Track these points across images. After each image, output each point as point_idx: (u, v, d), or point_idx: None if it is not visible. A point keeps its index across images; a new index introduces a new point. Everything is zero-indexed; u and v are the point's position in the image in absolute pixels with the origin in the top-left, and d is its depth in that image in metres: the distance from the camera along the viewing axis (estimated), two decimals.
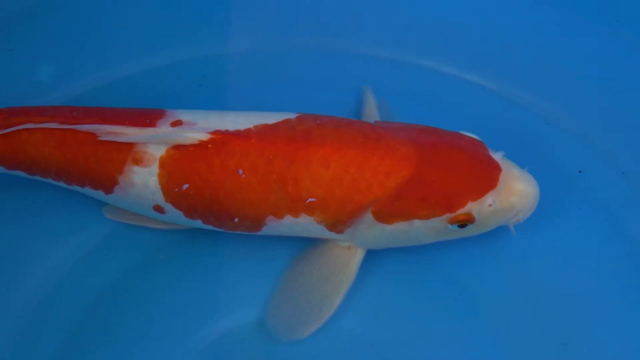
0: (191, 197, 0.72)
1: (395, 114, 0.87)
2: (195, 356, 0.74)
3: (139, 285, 0.78)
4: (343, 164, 0.69)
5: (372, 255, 0.77)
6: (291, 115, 0.74)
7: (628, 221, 0.81)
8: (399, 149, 0.70)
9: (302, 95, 0.87)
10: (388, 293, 0.77)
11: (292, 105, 0.76)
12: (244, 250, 0.79)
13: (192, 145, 0.71)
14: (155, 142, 0.72)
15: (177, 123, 0.72)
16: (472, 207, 0.70)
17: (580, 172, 0.84)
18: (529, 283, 0.78)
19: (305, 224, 0.72)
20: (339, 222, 0.72)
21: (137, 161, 0.72)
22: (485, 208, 0.70)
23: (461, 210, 0.70)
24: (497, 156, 0.72)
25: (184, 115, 0.74)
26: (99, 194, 0.76)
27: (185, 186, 0.72)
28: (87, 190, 0.76)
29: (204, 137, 0.70)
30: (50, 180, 0.77)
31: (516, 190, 0.71)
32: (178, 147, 0.71)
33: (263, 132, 0.71)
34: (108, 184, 0.74)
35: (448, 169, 0.70)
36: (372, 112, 0.86)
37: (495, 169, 0.71)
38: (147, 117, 0.73)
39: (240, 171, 0.70)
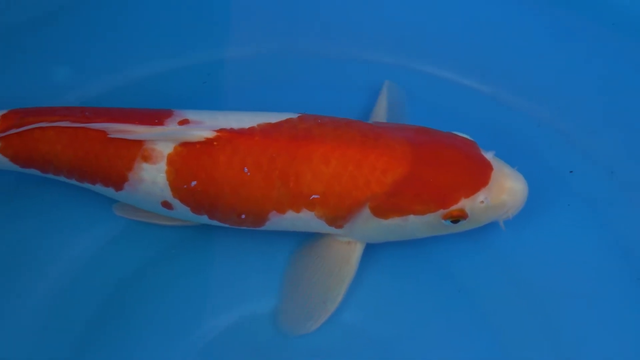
0: (198, 193, 0.73)
1: (407, 115, 0.88)
2: (204, 346, 0.75)
3: (151, 279, 0.79)
4: (342, 161, 0.71)
5: (370, 250, 0.78)
6: (293, 115, 0.75)
7: (615, 218, 0.82)
8: (395, 147, 0.71)
9: (303, 98, 0.87)
10: (386, 287, 0.79)
11: (294, 107, 0.77)
12: (249, 245, 0.80)
13: (199, 143, 0.71)
14: (163, 140, 0.72)
15: (184, 122, 0.73)
16: (465, 203, 0.71)
17: (571, 172, 0.85)
18: (522, 276, 0.79)
19: (306, 219, 0.73)
20: (339, 217, 0.73)
21: (146, 158, 0.73)
22: (478, 205, 0.72)
23: (454, 207, 0.71)
24: (488, 155, 0.73)
25: (190, 114, 0.75)
26: (110, 191, 0.77)
27: (193, 183, 0.73)
28: (98, 188, 0.77)
29: (209, 134, 0.71)
30: (62, 178, 0.78)
31: (507, 188, 0.72)
32: (185, 145, 0.72)
33: (266, 131, 0.72)
34: (118, 181, 0.75)
35: (442, 167, 0.71)
36: (381, 112, 0.86)
37: (487, 167, 0.72)
38: (156, 117, 0.74)
39: (246, 169, 0.71)
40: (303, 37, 0.95)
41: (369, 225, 0.73)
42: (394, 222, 0.73)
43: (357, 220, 0.73)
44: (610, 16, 0.95)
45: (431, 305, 0.78)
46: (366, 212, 0.72)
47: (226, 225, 0.77)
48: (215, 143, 0.71)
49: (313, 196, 0.72)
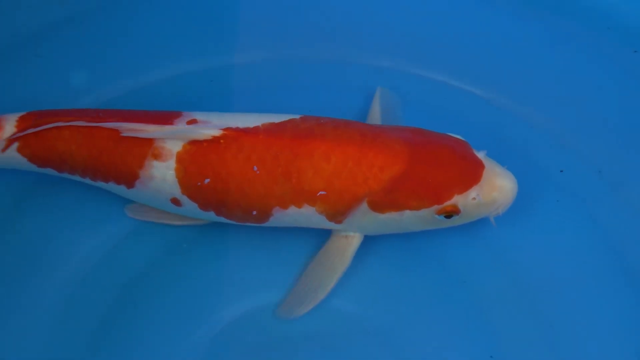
0: (205, 189, 0.74)
1: (401, 118, 0.89)
2: (215, 336, 0.76)
3: (164, 272, 0.80)
4: (342, 158, 0.72)
5: (370, 243, 0.80)
6: (295, 116, 0.76)
7: (602, 214, 0.84)
8: (392, 146, 0.73)
9: (305, 101, 0.89)
10: (385, 278, 0.80)
11: (296, 109, 0.78)
12: (255, 242, 0.82)
13: (206, 141, 0.73)
14: (172, 138, 0.74)
15: (192, 122, 0.75)
16: (457, 199, 0.73)
17: (562, 171, 0.87)
18: (515, 268, 0.81)
19: (307, 215, 0.75)
20: (338, 212, 0.74)
21: (156, 156, 0.74)
22: (470, 201, 0.73)
23: (448, 202, 0.73)
24: (480, 155, 0.75)
25: (198, 115, 0.76)
26: (122, 189, 0.78)
27: (205, 180, 0.74)
28: (111, 186, 0.79)
29: (216, 133, 0.73)
30: (77, 177, 0.80)
31: (497, 186, 0.74)
32: (193, 143, 0.73)
33: (270, 129, 0.74)
34: (130, 178, 0.76)
35: (437, 165, 0.73)
36: (375, 116, 0.88)
37: (479, 166, 0.74)
38: (166, 117, 0.76)
39: (255, 167, 0.73)
40: (306, 44, 0.97)
41: (366, 219, 0.75)
42: (391, 216, 0.74)
43: (355, 214, 0.75)
44: (601, 22, 0.97)
45: (427, 295, 0.79)
46: (364, 206, 0.74)
47: (233, 222, 0.78)
48: (221, 141, 0.73)
49: (320, 192, 0.73)
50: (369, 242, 0.80)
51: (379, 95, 0.90)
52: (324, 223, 0.77)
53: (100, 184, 0.80)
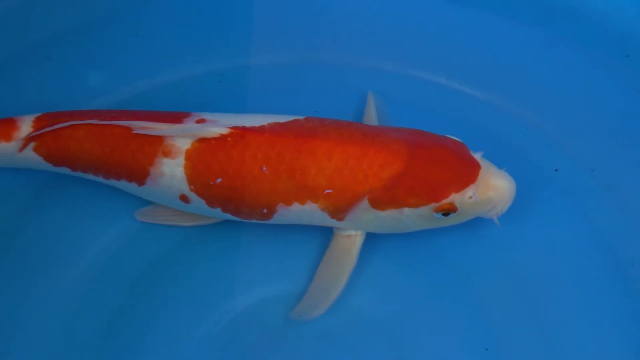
0: (212, 186, 0.76)
1: (391, 119, 0.90)
2: (224, 327, 0.78)
3: (174, 266, 0.82)
4: (344, 156, 0.73)
5: (375, 241, 0.81)
6: (300, 117, 0.78)
7: (596, 212, 0.85)
8: (392, 145, 0.74)
9: (309, 103, 0.89)
10: (390, 274, 0.81)
11: (300, 111, 0.80)
12: (261, 239, 0.83)
13: (214, 139, 0.74)
14: (181, 136, 0.75)
15: (201, 121, 0.76)
16: (454, 197, 0.74)
17: (556, 170, 0.87)
18: (513, 264, 0.82)
19: (310, 211, 0.76)
20: (340, 209, 0.75)
21: (166, 153, 0.76)
22: (466, 199, 0.74)
23: (445, 200, 0.74)
24: (477, 155, 0.76)
25: (207, 115, 0.78)
26: (133, 187, 0.79)
27: (217, 179, 0.75)
28: (123, 184, 0.80)
29: (224, 131, 0.74)
30: (90, 176, 0.81)
31: (493, 185, 0.75)
32: (202, 140, 0.75)
33: (275, 128, 0.75)
34: (141, 175, 0.78)
35: (434, 164, 0.74)
36: (371, 117, 0.89)
37: (476, 166, 0.75)
38: (176, 117, 0.77)
39: (265, 167, 0.74)
40: (308, 48, 0.97)
41: (367, 217, 0.76)
42: (390, 213, 0.75)
43: (356, 211, 0.76)
44: (595, 27, 0.97)
45: (430, 291, 0.81)
46: (365, 204, 0.75)
47: (239, 220, 0.80)
48: (228, 139, 0.74)
49: (327, 190, 0.74)
50: (374, 240, 0.81)
51: (372, 99, 0.92)
52: (326, 220, 0.78)
53: (113, 182, 0.81)
